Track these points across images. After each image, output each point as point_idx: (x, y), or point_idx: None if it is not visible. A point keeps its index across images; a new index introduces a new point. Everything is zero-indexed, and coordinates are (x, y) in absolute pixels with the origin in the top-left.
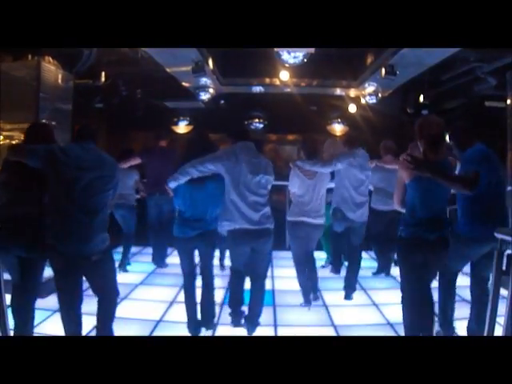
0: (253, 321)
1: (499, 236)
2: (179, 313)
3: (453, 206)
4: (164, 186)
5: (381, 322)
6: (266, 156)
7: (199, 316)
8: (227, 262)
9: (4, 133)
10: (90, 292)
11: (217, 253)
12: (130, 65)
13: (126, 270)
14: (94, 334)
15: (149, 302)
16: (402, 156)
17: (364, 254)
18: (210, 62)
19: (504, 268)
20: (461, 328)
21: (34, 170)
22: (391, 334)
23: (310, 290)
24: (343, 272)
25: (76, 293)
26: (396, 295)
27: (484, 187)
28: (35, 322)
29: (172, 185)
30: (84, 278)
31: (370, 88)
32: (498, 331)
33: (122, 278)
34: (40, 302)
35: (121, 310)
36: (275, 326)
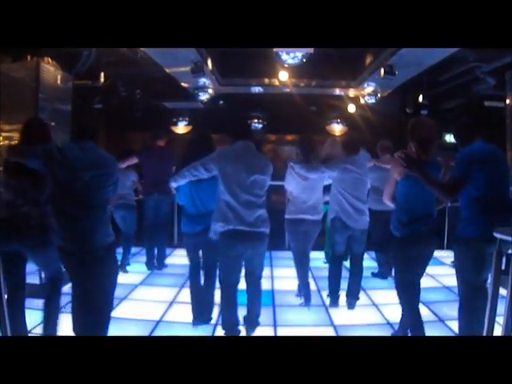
0: (252, 321)
1: (498, 236)
2: (179, 313)
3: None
4: (162, 186)
5: (380, 321)
6: (264, 156)
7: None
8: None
9: (3, 133)
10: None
11: None
12: (129, 65)
13: (126, 271)
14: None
15: (148, 302)
16: (396, 153)
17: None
18: (209, 62)
19: (503, 268)
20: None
21: (34, 171)
22: (391, 333)
23: (308, 288)
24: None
25: (82, 291)
26: (396, 295)
27: (484, 185)
28: (35, 323)
29: (173, 184)
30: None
31: (369, 88)
32: (497, 331)
33: (121, 278)
34: (41, 303)
35: (120, 311)
36: (275, 326)
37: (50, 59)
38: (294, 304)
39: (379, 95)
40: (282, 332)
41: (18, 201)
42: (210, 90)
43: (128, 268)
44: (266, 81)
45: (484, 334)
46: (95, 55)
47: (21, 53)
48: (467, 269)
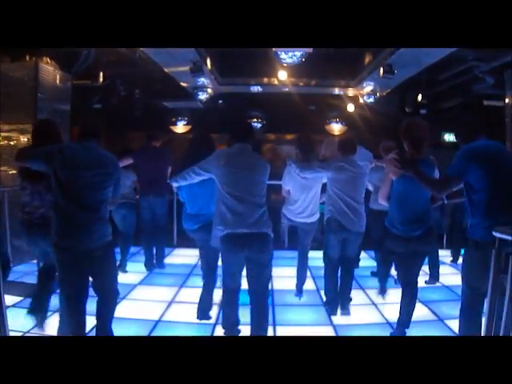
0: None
1: (497, 235)
2: (178, 313)
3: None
4: (156, 187)
5: (380, 321)
6: (264, 156)
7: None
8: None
9: (2, 133)
10: (91, 292)
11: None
12: (128, 65)
13: (125, 271)
14: (93, 334)
15: (148, 302)
16: (390, 155)
17: (362, 254)
18: (208, 62)
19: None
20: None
21: (43, 173)
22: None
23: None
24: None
25: (82, 289)
26: (395, 295)
27: (491, 184)
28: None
29: (174, 184)
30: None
31: (368, 87)
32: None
33: (121, 278)
34: None
35: (120, 310)
36: (274, 325)
37: (48, 59)
38: (293, 303)
39: (378, 94)
40: (282, 332)
41: (35, 203)
42: (209, 90)
43: (127, 268)
44: (265, 80)
45: (483, 334)
46: (94, 55)
47: (20, 53)
48: (474, 271)
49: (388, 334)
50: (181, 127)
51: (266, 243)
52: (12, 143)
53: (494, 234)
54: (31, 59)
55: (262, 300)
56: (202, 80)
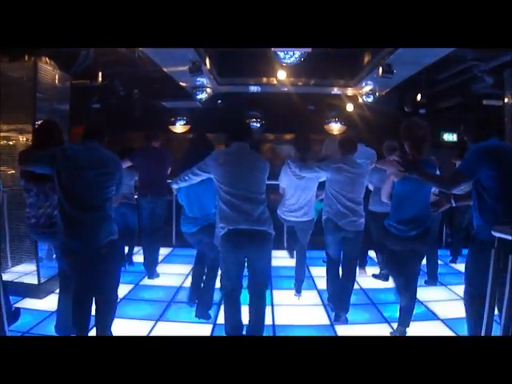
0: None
1: (497, 234)
2: (178, 313)
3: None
4: (156, 188)
5: (380, 321)
6: (263, 156)
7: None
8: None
9: (1, 133)
10: None
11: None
12: (127, 65)
13: (126, 270)
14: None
15: (147, 301)
16: (392, 156)
17: None
18: (207, 61)
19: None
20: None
21: (47, 175)
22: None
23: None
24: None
25: (89, 288)
26: (394, 294)
27: (499, 184)
28: (34, 323)
29: (175, 186)
30: None
31: (367, 87)
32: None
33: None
34: (39, 303)
35: (119, 310)
36: (273, 325)
37: (47, 59)
38: (292, 303)
39: (377, 94)
40: (281, 332)
41: (41, 203)
42: (208, 90)
43: (127, 268)
44: (264, 80)
45: (483, 334)
46: (93, 55)
47: (18, 52)
48: (479, 271)
49: (388, 334)
50: (180, 127)
51: (267, 241)
52: (11, 143)
53: (493, 233)
54: (30, 59)
55: (261, 299)
56: (201, 80)
